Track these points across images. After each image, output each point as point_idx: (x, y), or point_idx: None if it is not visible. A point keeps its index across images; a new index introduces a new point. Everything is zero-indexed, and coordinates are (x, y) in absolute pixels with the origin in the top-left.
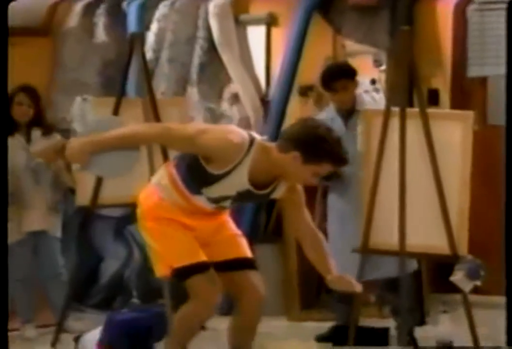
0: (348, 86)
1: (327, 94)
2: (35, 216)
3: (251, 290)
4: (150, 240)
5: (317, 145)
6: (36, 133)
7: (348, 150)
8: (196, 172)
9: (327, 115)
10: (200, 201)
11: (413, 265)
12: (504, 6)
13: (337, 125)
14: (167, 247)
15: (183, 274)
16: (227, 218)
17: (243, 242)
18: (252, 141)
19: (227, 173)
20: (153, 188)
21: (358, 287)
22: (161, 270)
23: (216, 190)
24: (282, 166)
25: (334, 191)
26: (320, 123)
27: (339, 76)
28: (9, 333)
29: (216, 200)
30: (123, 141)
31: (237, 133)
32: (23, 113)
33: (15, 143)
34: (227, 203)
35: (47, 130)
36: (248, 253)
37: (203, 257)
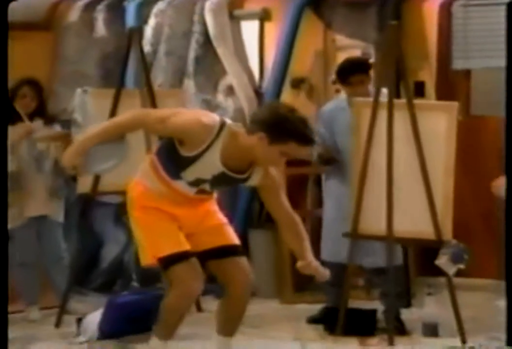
0: (364, 80)
1: (343, 87)
2: (37, 202)
3: (239, 276)
4: (136, 229)
5: (280, 125)
6: (38, 122)
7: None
8: (172, 156)
9: (339, 104)
10: (180, 185)
11: (398, 259)
12: (488, 2)
13: (347, 115)
14: (151, 237)
15: (165, 263)
16: (213, 208)
17: (230, 230)
18: (222, 124)
19: (200, 155)
20: (139, 177)
21: (323, 275)
22: (147, 259)
23: (192, 173)
24: (250, 148)
25: (332, 177)
26: (284, 105)
27: (356, 70)
28: (14, 315)
29: (194, 183)
30: (108, 132)
31: (208, 116)
32: (26, 105)
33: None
34: (207, 187)
35: (48, 120)
36: (235, 240)
37: (185, 247)
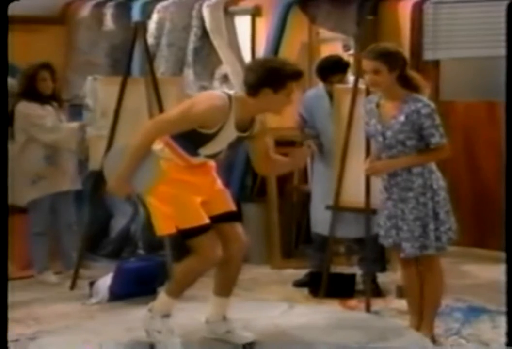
0: (343, 79)
1: (322, 83)
2: (69, 178)
3: (237, 239)
4: (157, 203)
5: (275, 75)
6: (55, 105)
7: (332, 122)
8: (192, 136)
9: (318, 92)
10: (199, 160)
11: (375, 229)
12: (455, 0)
13: (325, 102)
14: (176, 209)
15: (188, 234)
16: (216, 175)
17: (230, 197)
18: (230, 98)
19: (219, 130)
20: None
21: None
22: (164, 229)
23: (212, 147)
24: (261, 107)
25: (316, 157)
26: (261, 59)
27: (336, 70)
28: (31, 279)
29: (212, 156)
30: (138, 154)
31: (218, 98)
32: (47, 87)
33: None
34: (221, 154)
35: (61, 103)
36: (234, 207)
37: (206, 220)
